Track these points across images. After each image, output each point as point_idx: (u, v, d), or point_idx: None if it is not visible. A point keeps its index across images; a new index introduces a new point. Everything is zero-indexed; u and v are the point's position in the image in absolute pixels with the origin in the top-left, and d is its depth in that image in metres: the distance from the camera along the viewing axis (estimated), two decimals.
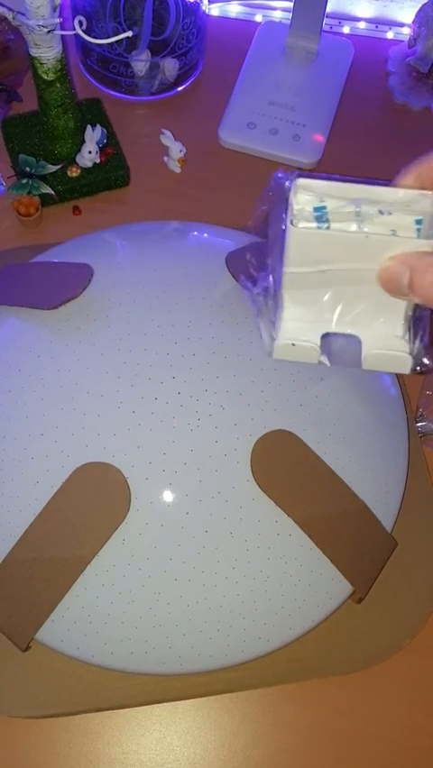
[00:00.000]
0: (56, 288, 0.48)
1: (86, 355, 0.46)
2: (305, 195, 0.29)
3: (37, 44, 0.55)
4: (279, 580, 0.44)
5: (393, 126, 0.73)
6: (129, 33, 0.57)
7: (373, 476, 0.47)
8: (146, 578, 0.43)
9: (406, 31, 0.77)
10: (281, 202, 0.29)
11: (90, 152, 0.64)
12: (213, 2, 0.77)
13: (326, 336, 0.31)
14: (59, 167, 0.64)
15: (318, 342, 0.32)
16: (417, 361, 0.31)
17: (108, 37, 0.57)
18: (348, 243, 0.29)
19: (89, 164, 0.65)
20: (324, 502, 0.45)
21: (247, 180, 0.69)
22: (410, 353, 0.31)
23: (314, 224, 0.29)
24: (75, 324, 0.47)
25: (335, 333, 0.32)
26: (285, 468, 0.44)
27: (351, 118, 0.73)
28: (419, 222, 0.28)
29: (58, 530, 0.43)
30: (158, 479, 0.43)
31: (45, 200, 0.64)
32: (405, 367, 0.31)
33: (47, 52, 0.55)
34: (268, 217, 0.31)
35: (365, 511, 0.46)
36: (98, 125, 0.64)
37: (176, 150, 0.66)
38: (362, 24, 0.78)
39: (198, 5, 0.67)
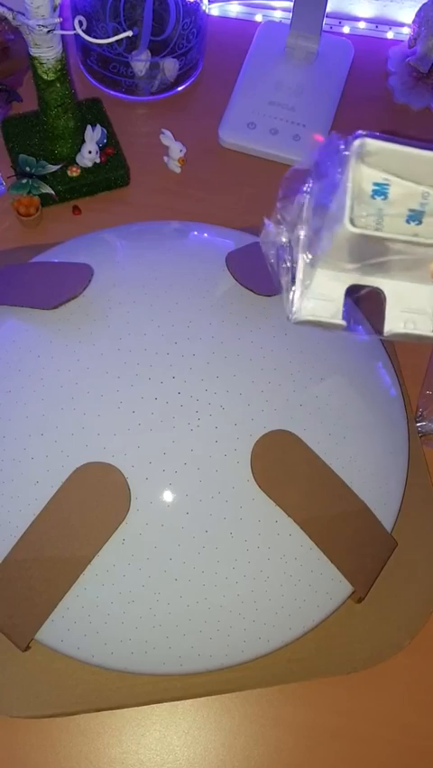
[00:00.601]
0: (56, 287, 0.48)
1: (86, 355, 0.46)
2: (367, 169, 0.25)
3: (37, 44, 0.55)
4: (279, 580, 0.44)
5: (393, 126, 0.73)
6: (129, 33, 0.57)
7: (373, 476, 0.47)
8: (146, 578, 0.43)
9: (406, 31, 0.77)
10: (333, 167, 0.26)
11: (90, 152, 0.63)
12: (213, 2, 0.77)
13: (349, 299, 0.29)
14: (59, 167, 0.64)
15: (341, 316, 0.29)
16: None
17: (108, 37, 0.57)
18: (401, 245, 0.26)
19: (89, 164, 0.65)
20: (324, 502, 0.45)
21: (247, 180, 0.69)
22: None
23: (371, 221, 0.25)
24: (75, 324, 0.47)
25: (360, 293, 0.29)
26: (285, 468, 0.44)
27: (351, 118, 0.73)
28: None
29: (58, 530, 0.43)
30: (158, 479, 0.43)
31: (45, 200, 0.64)
32: (428, 342, 0.30)
33: (47, 52, 0.55)
34: (311, 177, 0.28)
35: (365, 511, 0.46)
36: (98, 125, 0.64)
37: (176, 149, 0.66)
38: (362, 24, 0.78)
39: (197, 5, 0.67)
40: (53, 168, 0.64)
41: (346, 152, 0.26)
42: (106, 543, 0.42)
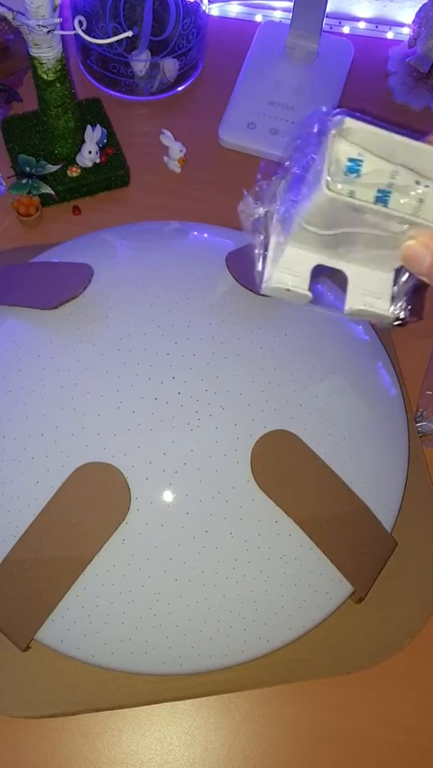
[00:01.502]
0: (56, 287, 0.48)
1: (86, 355, 0.46)
2: (345, 144, 0.27)
3: (37, 44, 0.55)
4: (279, 581, 0.44)
5: (393, 126, 0.73)
6: (129, 33, 0.57)
7: (373, 476, 0.47)
8: (146, 578, 0.43)
9: (406, 31, 0.77)
10: (317, 140, 0.28)
11: (90, 152, 0.63)
12: (213, 2, 0.77)
13: (315, 278, 0.31)
14: (59, 167, 0.64)
15: (308, 287, 0.31)
16: (395, 318, 0.31)
17: (108, 37, 0.57)
18: (373, 216, 0.28)
19: (89, 164, 0.65)
20: (324, 502, 0.45)
21: (247, 180, 0.68)
22: (392, 313, 0.31)
23: (344, 191, 0.27)
24: (75, 324, 0.47)
25: (325, 275, 0.31)
26: (285, 468, 0.44)
27: None
28: None
29: (58, 530, 0.43)
30: (158, 479, 0.43)
31: (45, 200, 0.64)
32: (384, 322, 0.32)
33: (47, 52, 0.55)
34: (296, 148, 0.30)
35: (365, 511, 0.46)
36: (98, 125, 0.64)
37: (176, 149, 0.66)
38: (362, 24, 0.78)
39: (197, 5, 0.67)
40: (53, 168, 0.64)
41: (327, 127, 0.27)
42: (106, 543, 0.42)
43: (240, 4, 0.78)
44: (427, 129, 0.76)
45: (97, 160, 0.65)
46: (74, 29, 0.54)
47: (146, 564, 0.43)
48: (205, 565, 0.43)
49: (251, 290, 0.48)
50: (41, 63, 0.56)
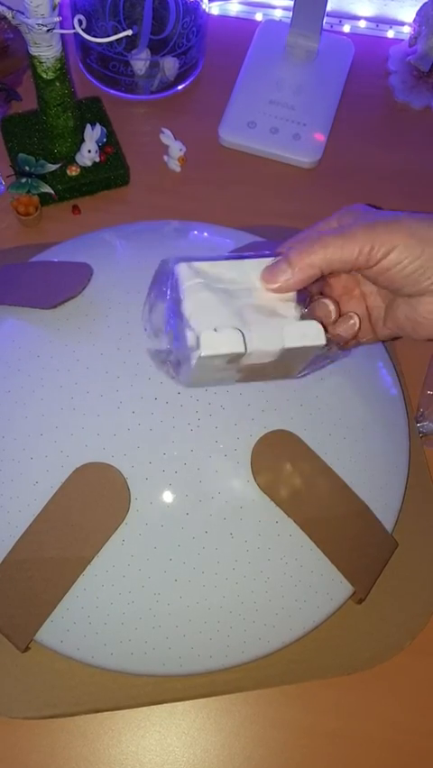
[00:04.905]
0: (55, 287, 0.48)
1: (85, 355, 0.45)
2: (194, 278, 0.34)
3: (36, 43, 0.55)
4: (279, 581, 0.44)
5: (394, 125, 0.73)
6: (129, 32, 0.57)
7: (373, 476, 0.47)
8: (146, 578, 0.43)
9: (406, 29, 0.77)
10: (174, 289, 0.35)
11: (90, 151, 0.63)
12: (213, 0, 0.77)
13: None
14: (58, 166, 0.64)
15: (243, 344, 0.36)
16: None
17: (108, 36, 0.56)
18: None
19: (89, 163, 0.64)
20: (324, 503, 0.45)
21: (247, 179, 0.69)
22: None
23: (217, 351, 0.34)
24: (75, 324, 0.47)
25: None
26: (285, 468, 0.44)
27: (351, 117, 0.72)
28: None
29: (58, 530, 0.42)
30: (158, 479, 0.43)
31: (44, 199, 0.63)
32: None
33: (46, 51, 0.55)
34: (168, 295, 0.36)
35: (366, 512, 0.46)
36: (98, 124, 0.64)
37: (176, 149, 0.66)
38: (362, 23, 0.78)
39: (197, 4, 0.66)
40: (53, 167, 0.64)
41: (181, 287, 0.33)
42: (106, 543, 0.42)
43: (240, 3, 0.78)
44: (427, 128, 0.76)
45: (97, 159, 0.64)
46: (73, 28, 0.54)
47: (146, 565, 0.43)
48: (205, 566, 0.43)
49: None
50: (40, 62, 0.56)
